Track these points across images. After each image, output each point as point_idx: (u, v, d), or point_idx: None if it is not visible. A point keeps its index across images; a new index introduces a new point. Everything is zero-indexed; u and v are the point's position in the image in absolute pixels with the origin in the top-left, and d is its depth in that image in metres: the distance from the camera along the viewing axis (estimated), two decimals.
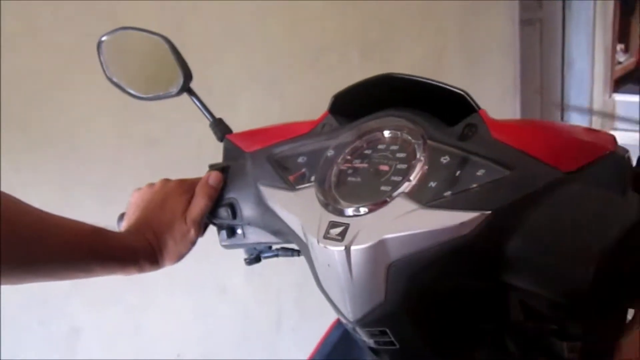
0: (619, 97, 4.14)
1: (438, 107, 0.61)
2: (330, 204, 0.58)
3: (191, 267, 1.37)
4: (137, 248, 0.67)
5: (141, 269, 0.68)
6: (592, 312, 0.48)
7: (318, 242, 0.56)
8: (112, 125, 1.31)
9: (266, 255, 0.79)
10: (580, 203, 0.47)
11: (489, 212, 0.48)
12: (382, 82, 0.62)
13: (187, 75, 0.73)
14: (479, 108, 0.56)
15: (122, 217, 0.77)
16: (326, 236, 0.56)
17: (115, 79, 0.77)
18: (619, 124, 4.02)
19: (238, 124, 1.56)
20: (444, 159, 0.55)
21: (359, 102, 0.66)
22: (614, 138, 0.51)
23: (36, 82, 1.20)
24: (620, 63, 4.43)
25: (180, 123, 1.37)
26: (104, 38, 0.76)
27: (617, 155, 0.50)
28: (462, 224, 0.49)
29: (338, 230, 0.55)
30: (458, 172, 0.53)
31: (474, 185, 0.51)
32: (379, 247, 0.52)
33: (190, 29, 1.42)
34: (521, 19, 2.90)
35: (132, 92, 0.76)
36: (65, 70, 1.18)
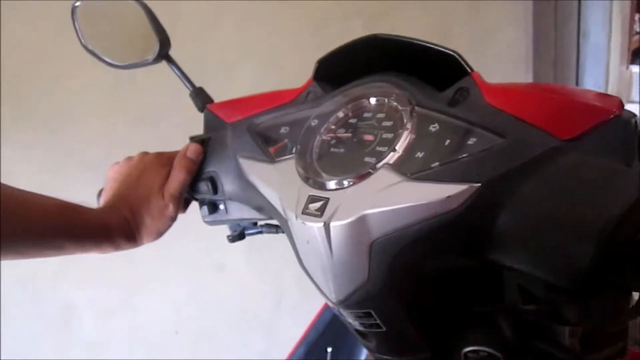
0: (636, 69, 4.02)
1: (429, 71, 0.56)
2: (310, 177, 0.54)
3: (188, 244, 1.35)
4: (111, 225, 0.63)
5: (117, 247, 0.65)
6: (592, 295, 0.44)
7: (296, 217, 0.52)
8: (103, 100, 1.27)
9: (250, 232, 0.76)
10: (580, 174, 0.42)
11: (479, 184, 0.44)
12: (369, 45, 0.58)
13: (164, 42, 0.69)
14: (472, 70, 0.51)
15: (101, 192, 0.73)
16: (305, 211, 0.52)
17: (90, 47, 0.72)
18: (636, 97, 3.91)
19: (234, 97, 1.51)
20: (433, 127, 0.50)
21: (344, 68, 0.62)
22: (620, 101, 0.45)
23: (22, 54, 1.16)
24: (638, 33, 4.30)
25: (174, 97, 1.33)
26: (77, 3, 0.71)
27: (623, 119, 0.44)
28: (449, 198, 0.44)
29: (317, 205, 0.51)
30: (447, 141, 0.48)
31: (464, 155, 0.46)
32: (360, 224, 0.48)
33: (183, 1, 1.36)
34: None
35: (108, 60, 0.72)
36: (53, 41, 1.14)
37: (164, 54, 0.70)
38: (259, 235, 0.76)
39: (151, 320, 1.51)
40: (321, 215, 0.50)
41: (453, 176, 0.45)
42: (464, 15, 2.25)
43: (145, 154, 0.70)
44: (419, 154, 0.49)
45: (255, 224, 0.75)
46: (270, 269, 1.68)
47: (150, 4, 1.28)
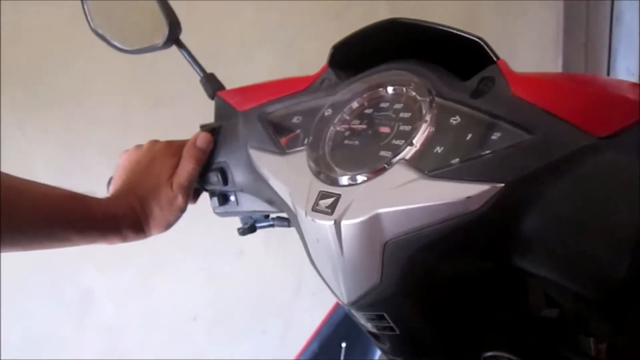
0: None
1: (452, 59, 0.52)
2: (322, 171, 0.51)
3: (207, 230, 1.33)
4: (119, 215, 0.62)
5: (124, 238, 0.63)
6: (624, 308, 0.40)
7: (306, 214, 0.49)
8: (119, 84, 1.25)
9: (261, 224, 0.73)
10: (615, 175, 0.38)
11: (502, 184, 0.40)
12: (387, 30, 0.54)
13: (174, 26, 0.66)
14: (498, 58, 0.47)
15: (110, 181, 0.71)
16: (315, 208, 0.49)
17: (100, 31, 0.70)
18: None
19: (253, 82, 1.48)
20: (454, 120, 0.46)
21: (361, 54, 0.58)
22: None
23: (40, 37, 1.14)
24: None
25: (190, 81, 1.31)
26: None
27: None
28: (470, 199, 0.41)
29: (328, 201, 0.48)
30: (469, 136, 0.44)
31: (487, 152, 0.42)
32: (373, 223, 0.45)
33: None
34: None
35: (117, 44, 0.69)
36: (70, 25, 1.11)
37: (174, 39, 0.67)
38: None
39: (169, 305, 1.50)
40: (332, 213, 0.47)
41: (474, 174, 0.41)
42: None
43: (154, 142, 0.68)
44: (438, 149, 0.45)
45: (267, 216, 0.72)
46: (290, 255, 1.66)
47: None
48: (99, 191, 0.70)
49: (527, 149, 0.40)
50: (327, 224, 0.47)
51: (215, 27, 1.40)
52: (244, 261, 1.58)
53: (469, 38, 0.48)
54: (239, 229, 0.73)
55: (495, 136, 0.43)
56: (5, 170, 1.22)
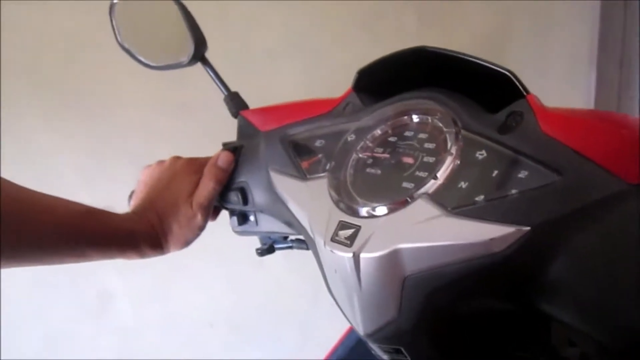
0: None
1: (480, 89, 0.50)
2: (342, 200, 0.50)
3: (228, 237, 1.34)
4: (137, 231, 0.61)
5: (142, 254, 0.63)
6: None
7: (325, 244, 0.48)
8: (146, 89, 1.26)
9: (280, 246, 0.72)
10: None
11: (528, 228, 0.38)
12: (415, 57, 0.53)
13: (200, 43, 0.66)
14: (527, 92, 0.46)
15: (132, 195, 0.72)
16: (334, 238, 0.48)
17: (126, 45, 0.70)
18: None
19: (279, 94, 1.48)
20: (480, 154, 0.45)
21: (387, 79, 0.57)
22: None
23: (69, 41, 1.16)
24: None
25: (217, 90, 1.31)
26: (115, 0, 0.69)
27: None
28: (493, 240, 0.39)
29: (348, 232, 0.47)
30: (495, 172, 0.43)
31: (513, 192, 0.41)
32: (393, 257, 0.44)
33: None
34: None
35: (142, 59, 0.70)
36: (99, 29, 1.12)
37: (199, 56, 0.67)
38: None
39: (187, 310, 1.51)
40: (351, 245, 0.46)
41: (499, 215, 0.40)
42: (526, 10, 2.13)
43: (177, 158, 0.68)
44: (462, 184, 0.44)
45: (286, 238, 0.72)
46: (309, 266, 1.65)
47: None
48: (118, 203, 0.70)
49: (555, 192, 0.39)
50: (346, 256, 0.46)
51: (243, 36, 1.40)
52: (263, 270, 1.58)
53: (498, 71, 0.47)
54: (257, 250, 0.73)
55: (522, 174, 0.41)
56: (32, 173, 1.25)
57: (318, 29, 1.52)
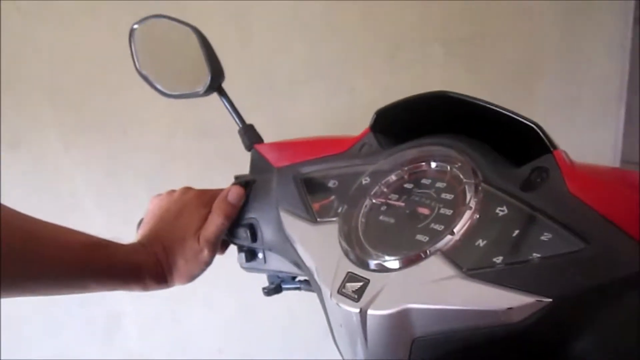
0: None
1: (503, 139, 0.48)
2: (352, 250, 0.47)
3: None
4: (142, 264, 0.60)
5: (146, 287, 0.61)
6: None
7: (331, 295, 0.46)
8: (165, 112, 1.26)
9: (288, 286, 0.70)
10: None
11: (549, 300, 0.35)
12: (436, 101, 0.50)
13: (217, 73, 0.64)
14: (555, 148, 0.43)
15: (140, 223, 0.70)
16: (341, 291, 0.45)
17: (144, 72, 0.69)
18: None
19: (299, 121, 1.46)
20: (500, 211, 0.42)
21: (407, 122, 0.55)
22: None
23: (91, 62, 1.17)
24: None
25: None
26: (135, 26, 0.69)
27: None
28: (511, 310, 0.36)
29: (356, 286, 0.45)
30: (515, 232, 0.40)
31: (535, 256, 0.38)
32: (402, 317, 0.41)
33: (255, 16, 1.33)
34: (635, 18, 2.56)
35: (159, 87, 0.69)
36: (121, 51, 1.13)
37: (215, 86, 0.66)
38: None
39: (195, 335, 1.49)
40: (358, 300, 0.43)
41: (518, 282, 0.37)
42: (556, 46, 2.10)
43: (187, 190, 0.66)
44: (480, 242, 0.41)
45: (294, 278, 0.69)
46: None
47: (221, 22, 1.27)
48: (133, 224, 0.69)
49: (581, 262, 0.36)
50: (353, 311, 0.43)
51: (266, 62, 1.40)
52: (274, 298, 1.54)
53: (524, 123, 0.44)
54: (264, 289, 0.70)
55: (545, 237, 0.38)
56: (49, 191, 1.24)
57: (340, 58, 1.51)
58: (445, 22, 1.77)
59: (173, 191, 0.67)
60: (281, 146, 0.65)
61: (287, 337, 1.63)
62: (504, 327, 0.37)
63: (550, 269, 0.36)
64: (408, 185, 0.50)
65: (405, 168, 0.51)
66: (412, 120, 0.54)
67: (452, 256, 0.41)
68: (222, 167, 0.72)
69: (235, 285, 1.50)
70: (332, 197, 0.54)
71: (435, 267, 0.41)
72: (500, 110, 0.45)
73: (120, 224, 1.04)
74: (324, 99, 1.47)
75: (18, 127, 1.15)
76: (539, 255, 0.38)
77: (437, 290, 0.40)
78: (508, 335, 0.37)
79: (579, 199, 0.39)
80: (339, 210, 0.52)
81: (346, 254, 0.47)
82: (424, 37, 1.70)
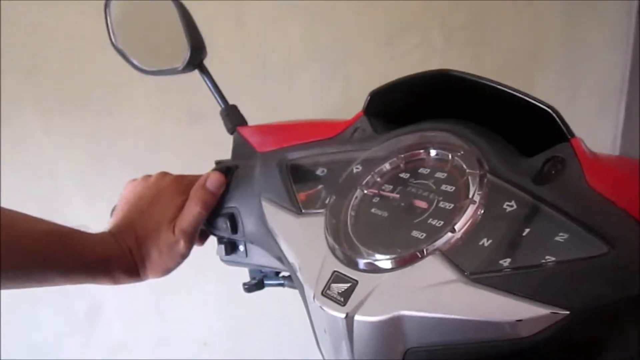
0: None
1: (513, 126, 0.42)
2: (340, 247, 0.42)
3: None
4: (112, 257, 0.54)
5: (116, 281, 0.56)
6: None
7: (314, 297, 0.40)
8: (154, 95, 1.20)
9: (270, 282, 0.65)
10: None
11: (567, 312, 0.30)
12: (437, 81, 0.45)
13: (197, 48, 0.59)
14: (572, 135, 0.38)
15: (114, 210, 0.64)
16: (325, 292, 0.40)
17: (120, 47, 0.64)
18: None
19: (293, 106, 1.41)
20: (508, 206, 0.37)
21: (404, 105, 0.49)
22: None
23: (74, 38, 1.10)
24: None
25: (228, 99, 1.25)
26: None
27: None
28: (521, 323, 0.31)
29: (342, 287, 0.39)
30: (526, 231, 0.35)
31: (549, 260, 0.32)
32: (394, 325, 0.36)
33: (248, 1, 1.27)
34: (639, 11, 2.50)
35: (135, 63, 0.63)
36: (104, 27, 1.06)
37: (196, 63, 0.60)
38: None
39: (180, 328, 1.44)
40: (344, 304, 0.38)
41: (529, 289, 0.32)
42: (558, 36, 2.04)
43: (163, 175, 0.61)
44: (485, 242, 0.36)
45: (278, 273, 0.64)
46: None
47: (215, 4, 1.20)
48: (105, 219, 0.63)
49: (605, 269, 0.31)
50: (338, 315, 0.38)
51: (260, 45, 1.34)
52: (263, 291, 1.49)
53: (537, 105, 0.39)
54: (244, 285, 0.65)
55: (561, 238, 0.33)
56: (27, 174, 1.18)
57: (337, 43, 1.45)
58: (446, 8, 1.72)
59: (149, 176, 0.62)
60: (266, 129, 0.60)
61: (275, 331, 1.58)
62: (511, 342, 0.32)
63: (567, 276, 0.31)
64: (404, 175, 0.45)
65: (402, 156, 0.46)
66: (410, 104, 0.49)
67: (452, 257, 0.36)
68: (212, 154, 0.66)
69: (223, 276, 1.45)
70: (320, 187, 0.49)
71: (433, 269, 0.36)
72: (511, 92, 0.39)
73: (103, 210, 0.98)
74: (320, 84, 1.42)
75: None
76: (553, 259, 0.32)
77: (435, 295, 0.35)
78: (515, 352, 0.32)
79: (601, 194, 0.34)
80: (327, 201, 0.47)
81: (332, 251, 0.42)
82: (423, 23, 1.65)
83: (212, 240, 0.65)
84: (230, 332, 1.52)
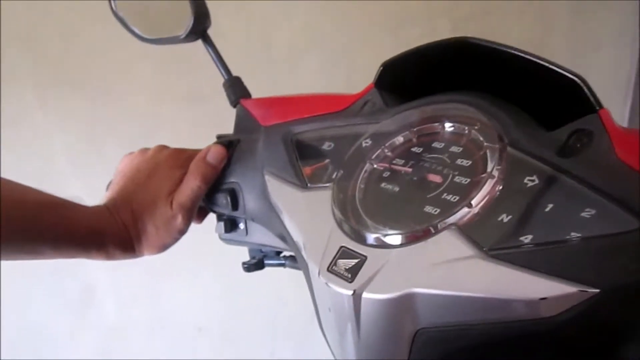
0: None
1: (533, 99, 0.40)
2: (347, 221, 0.40)
3: None
4: (106, 230, 0.52)
5: (110, 256, 0.53)
6: None
7: (319, 273, 0.38)
8: (153, 73, 1.17)
9: (271, 262, 0.62)
10: None
11: (597, 290, 0.28)
12: (453, 51, 0.42)
13: (201, 16, 0.56)
14: (600, 106, 0.35)
15: (110, 185, 0.62)
16: (331, 268, 0.38)
17: (120, 14, 0.61)
18: None
19: (296, 89, 1.39)
20: (530, 180, 0.34)
21: (417, 77, 0.47)
22: None
23: (72, 11, 1.07)
24: None
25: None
26: None
27: None
28: (545, 301, 0.29)
29: (349, 263, 0.37)
30: (549, 207, 0.32)
31: (574, 236, 0.30)
32: (405, 303, 0.34)
33: None
34: None
35: (136, 31, 0.60)
36: (106, 5, 1.04)
37: (199, 32, 0.57)
38: None
39: (175, 312, 1.42)
40: (351, 280, 0.36)
41: (554, 267, 0.30)
42: (565, 26, 2.02)
43: (162, 148, 0.58)
44: (504, 217, 0.34)
45: (279, 253, 0.62)
46: None
47: None
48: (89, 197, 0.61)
49: (636, 245, 0.28)
50: (344, 292, 0.36)
51: (264, 27, 1.32)
52: (260, 275, 1.47)
53: (562, 74, 0.36)
54: (244, 264, 0.63)
55: (587, 214, 0.31)
56: (21, 151, 1.16)
57: (340, 29, 1.43)
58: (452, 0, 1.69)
59: (146, 149, 0.60)
60: (271, 102, 0.57)
61: (271, 318, 1.57)
62: (530, 322, 0.30)
63: (595, 253, 0.29)
64: (416, 149, 0.43)
65: (414, 129, 0.44)
66: (423, 76, 0.46)
67: (469, 232, 0.34)
68: (211, 135, 0.64)
69: (221, 262, 1.43)
70: (327, 161, 0.47)
71: (448, 244, 0.34)
72: (535, 59, 0.37)
73: (98, 189, 0.96)
74: (323, 71, 1.39)
75: None
76: (579, 236, 0.30)
77: (450, 272, 0.33)
78: (538, 332, 0.30)
79: (631, 167, 0.31)
80: (334, 175, 0.45)
81: (340, 225, 0.40)
82: (429, 13, 1.63)
83: (208, 223, 0.62)
84: (225, 319, 1.50)
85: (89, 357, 1.31)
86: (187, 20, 0.56)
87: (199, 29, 0.57)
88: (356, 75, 1.43)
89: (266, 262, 0.62)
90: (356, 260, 0.37)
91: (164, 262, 1.32)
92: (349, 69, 1.43)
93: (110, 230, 0.52)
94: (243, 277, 1.53)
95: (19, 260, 0.49)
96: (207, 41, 0.59)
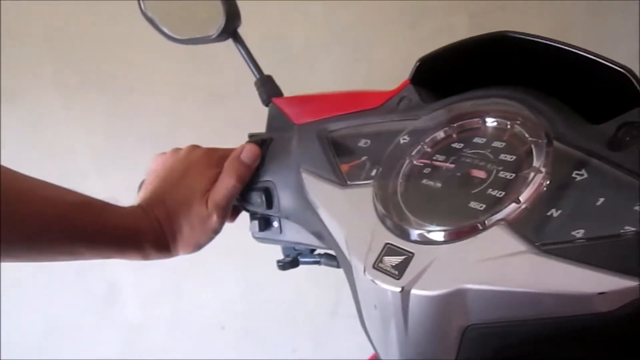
0: None
1: (575, 93, 0.40)
2: (391, 217, 0.40)
3: (247, 236, 1.25)
4: (142, 229, 0.52)
5: (145, 256, 0.54)
6: None
7: (365, 271, 0.38)
8: (176, 73, 1.18)
9: (305, 260, 0.62)
10: None
11: None
12: (492, 46, 0.42)
13: (233, 16, 0.56)
14: None
15: (142, 185, 0.62)
16: (377, 265, 0.38)
17: (150, 14, 0.61)
18: None
19: (315, 88, 1.39)
20: (578, 175, 0.34)
21: (455, 73, 0.47)
22: None
23: (95, 12, 1.08)
24: None
25: (252, 77, 1.23)
26: None
27: None
28: (603, 296, 0.29)
29: (396, 260, 0.37)
30: (600, 200, 0.32)
31: (628, 230, 0.30)
32: (455, 300, 0.34)
33: None
34: None
35: (166, 31, 0.61)
36: (128, 4, 1.04)
37: (230, 31, 0.58)
38: None
39: (198, 310, 1.43)
40: (399, 277, 0.36)
41: (612, 261, 0.29)
42: (584, 23, 1.99)
43: (194, 147, 0.59)
44: (554, 213, 0.33)
45: (313, 251, 0.62)
46: (330, 274, 1.55)
47: None
48: (133, 191, 0.61)
49: None
50: (392, 290, 0.36)
51: (281, 23, 1.32)
52: (282, 274, 1.48)
53: (608, 66, 0.36)
54: (278, 262, 0.63)
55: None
56: (44, 150, 1.17)
57: (360, 24, 1.42)
58: None
59: (178, 149, 0.60)
60: (303, 100, 0.57)
61: (293, 316, 1.57)
62: (589, 317, 0.29)
63: None
64: (457, 145, 0.43)
65: (454, 125, 0.43)
66: (460, 71, 0.46)
67: (518, 228, 0.34)
68: (233, 135, 0.64)
69: (243, 259, 1.44)
70: (364, 158, 0.47)
71: (497, 240, 0.34)
72: (580, 52, 0.37)
73: (121, 187, 0.97)
74: (342, 66, 1.39)
75: (15, 80, 1.07)
76: (633, 230, 0.30)
77: (502, 268, 0.32)
78: (592, 328, 0.30)
79: None
80: (373, 172, 0.45)
81: (383, 221, 0.40)
82: (448, 7, 1.61)
83: (238, 223, 0.62)
84: (248, 317, 1.50)
85: (113, 355, 1.32)
86: (218, 20, 0.57)
87: (231, 29, 0.57)
88: (376, 72, 1.42)
89: (300, 260, 0.62)
90: (403, 257, 0.37)
91: (187, 261, 1.33)
92: (368, 65, 1.42)
93: (146, 230, 0.53)
94: (265, 275, 1.54)
95: (57, 261, 0.50)
96: (238, 40, 0.59)
